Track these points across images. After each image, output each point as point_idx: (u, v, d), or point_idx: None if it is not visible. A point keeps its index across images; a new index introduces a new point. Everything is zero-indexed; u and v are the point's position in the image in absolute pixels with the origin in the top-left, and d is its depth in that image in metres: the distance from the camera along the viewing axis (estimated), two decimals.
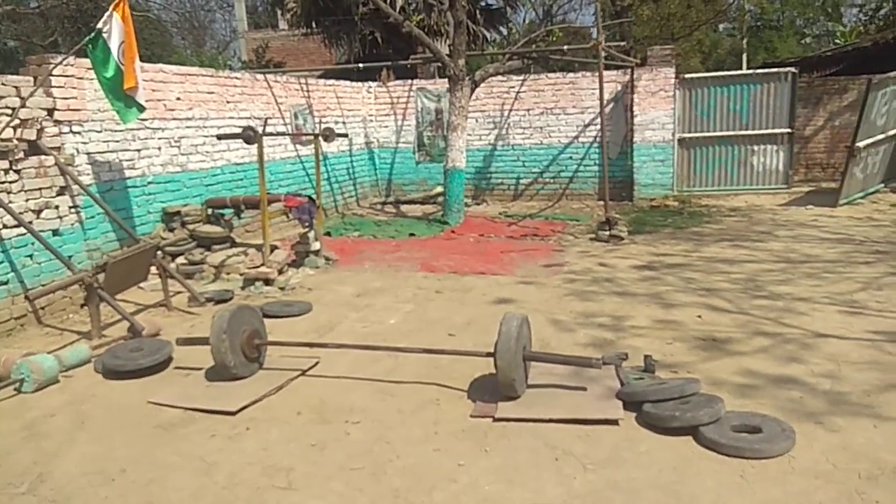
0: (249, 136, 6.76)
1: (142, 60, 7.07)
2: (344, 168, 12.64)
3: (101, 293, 5.62)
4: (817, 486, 3.06)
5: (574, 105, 12.27)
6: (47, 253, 6.08)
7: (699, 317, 5.54)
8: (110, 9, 6.54)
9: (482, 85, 12.58)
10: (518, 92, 12.58)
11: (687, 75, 11.98)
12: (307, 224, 7.75)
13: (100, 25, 6.50)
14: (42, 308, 6.23)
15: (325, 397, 4.33)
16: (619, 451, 3.47)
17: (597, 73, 11.91)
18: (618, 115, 12.03)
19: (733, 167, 11.73)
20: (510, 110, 12.68)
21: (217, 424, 4.02)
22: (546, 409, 3.91)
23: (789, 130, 11.40)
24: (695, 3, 17.12)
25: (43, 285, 6.02)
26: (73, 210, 6.80)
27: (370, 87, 13.42)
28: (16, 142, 6.08)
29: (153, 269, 6.61)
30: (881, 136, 10.38)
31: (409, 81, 13.39)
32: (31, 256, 6.18)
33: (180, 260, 7.79)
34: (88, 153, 7.16)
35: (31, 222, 6.10)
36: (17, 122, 6.10)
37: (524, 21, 27.61)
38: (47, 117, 6.52)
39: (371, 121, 13.49)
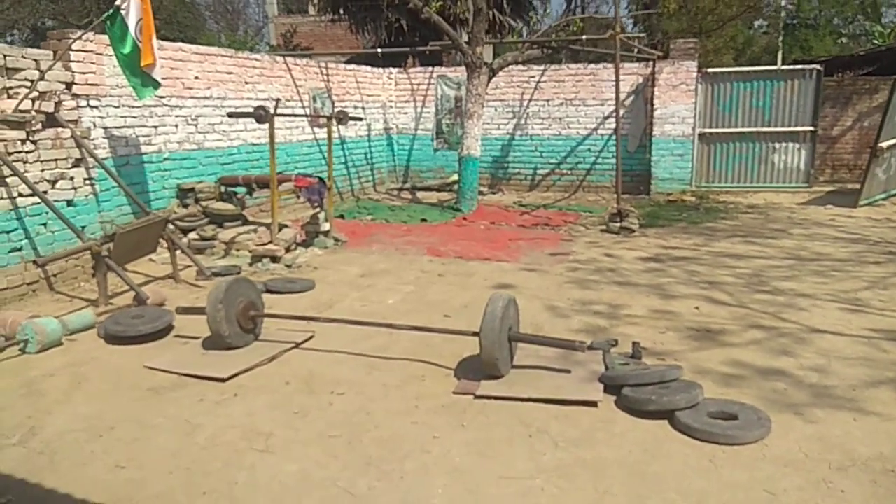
0: (261, 115, 6.86)
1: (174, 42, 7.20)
2: (362, 153, 12.73)
3: (108, 262, 5.77)
4: (785, 473, 3.05)
5: (594, 97, 12.19)
6: (60, 222, 6.25)
7: (697, 308, 5.51)
8: None
9: (502, 74, 12.59)
10: (538, 82, 12.53)
11: (710, 69, 11.81)
12: (317, 204, 7.85)
13: (118, 2, 6.64)
14: (54, 276, 6.42)
15: (314, 369, 4.42)
16: (593, 431, 3.49)
17: (621, 65, 11.86)
18: (638, 107, 11.92)
19: (754, 164, 11.57)
20: (530, 100, 12.64)
21: (207, 390, 4.13)
22: (527, 388, 3.94)
23: (812, 128, 11.20)
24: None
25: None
26: (87, 182, 6.98)
27: (391, 73, 13.47)
28: (34, 113, 6.25)
29: (163, 242, 6.76)
30: None
31: (430, 69, 13.42)
32: (45, 225, 6.36)
33: (192, 235, 7.95)
34: (105, 127, 7.33)
35: (45, 192, 6.27)
36: (35, 94, 6.28)
37: (561, 12, 27.31)
38: (65, 91, 6.68)
39: (391, 107, 13.55)
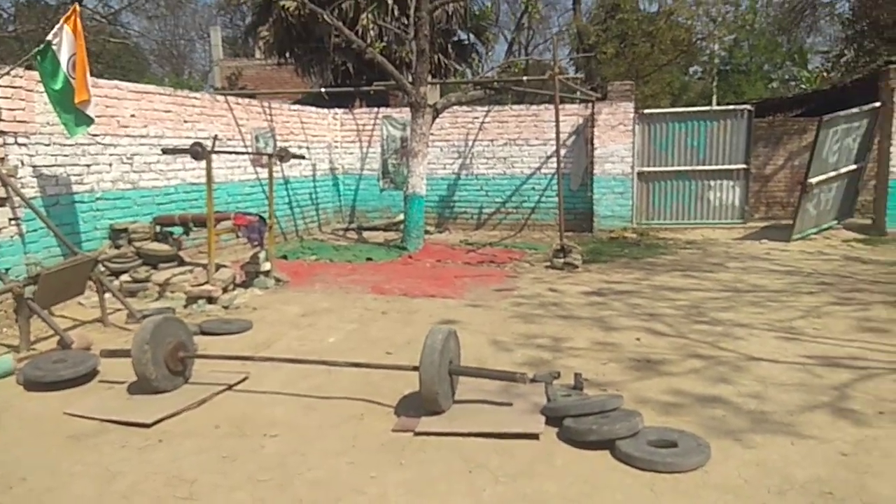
0: (197, 151, 6.71)
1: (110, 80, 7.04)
2: (306, 193, 12.60)
3: (30, 304, 5.47)
4: (726, 500, 3.02)
5: (537, 137, 12.43)
6: None
7: (638, 339, 5.54)
8: (61, 21, 6.52)
9: (447, 115, 12.76)
10: (482, 122, 12.72)
11: (646, 110, 12.20)
12: (257, 243, 7.67)
13: (49, 37, 6.48)
14: None
15: (247, 411, 4.22)
16: (534, 464, 3.41)
17: (561, 106, 12.15)
18: (579, 147, 12.20)
19: (691, 201, 11.91)
20: (474, 140, 12.81)
21: (130, 436, 3.89)
22: (468, 423, 3.84)
23: (745, 166, 11.63)
24: (658, 43, 17.56)
25: None
26: (13, 222, 6.67)
27: (336, 113, 13.49)
28: None
29: (92, 285, 6.46)
30: (833, 174, 10.62)
31: (376, 109, 13.50)
32: None
33: (124, 277, 7.64)
34: (34, 166, 7.06)
35: None
36: None
37: (503, 56, 28.02)
38: None
39: (336, 147, 13.52)
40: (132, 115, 8.47)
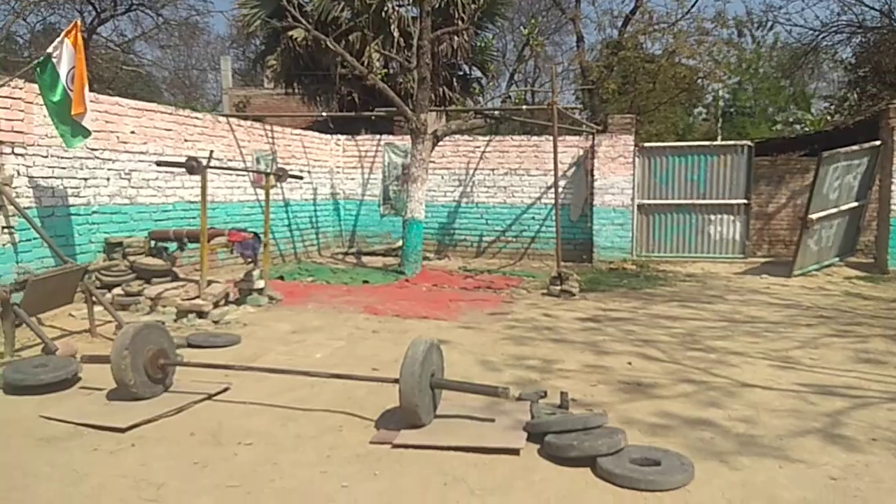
0: (193, 165, 6.73)
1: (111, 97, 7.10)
2: (306, 216, 12.62)
3: (16, 310, 5.42)
4: None
5: (537, 167, 12.46)
6: None
7: (629, 363, 5.43)
8: (62, 35, 6.61)
9: (448, 143, 12.84)
10: (483, 152, 12.78)
11: (646, 144, 12.25)
12: (250, 259, 7.64)
13: (49, 50, 6.56)
14: None
15: (225, 421, 4.13)
16: (512, 479, 3.30)
17: (562, 138, 12.22)
18: (579, 178, 12.21)
19: (691, 235, 11.86)
20: (475, 169, 12.85)
21: (103, 440, 3.80)
22: (448, 437, 3.74)
23: (746, 201, 11.60)
24: (660, 81, 17.74)
25: None
26: (5, 230, 6.66)
27: (339, 139, 13.58)
28: None
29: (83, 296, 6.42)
30: (834, 210, 10.57)
31: (378, 136, 13.58)
32: None
33: (117, 291, 7.59)
34: (31, 177, 7.08)
35: None
36: None
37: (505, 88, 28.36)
38: None
39: (338, 172, 13.58)
40: (132, 132, 8.52)
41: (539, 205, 12.55)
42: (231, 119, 10.62)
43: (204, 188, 7.00)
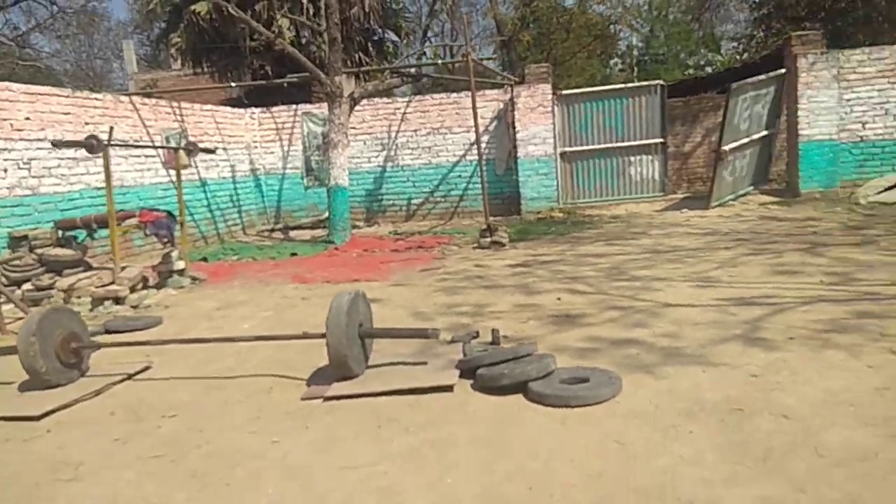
0: (92, 144, 6.35)
1: None
2: (226, 195, 12.19)
3: None
4: (635, 424, 2.96)
5: (459, 124, 12.39)
6: None
7: (558, 299, 5.50)
8: None
9: (368, 107, 12.60)
10: (404, 113, 12.60)
11: (563, 91, 12.33)
12: (166, 240, 7.32)
13: None
14: None
15: (146, 398, 3.95)
16: (446, 413, 3.28)
17: (481, 92, 12.16)
18: (501, 132, 12.22)
19: (613, 178, 12.07)
20: (397, 131, 12.67)
21: (16, 430, 3.58)
22: (380, 384, 3.69)
23: (662, 140, 11.87)
24: (573, 31, 17.86)
25: None
26: None
27: (253, 112, 13.13)
28: None
29: None
30: (745, 140, 10.94)
31: (294, 106, 13.19)
32: None
33: (27, 286, 7.16)
34: None
35: None
36: None
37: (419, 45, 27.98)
38: None
39: (256, 147, 13.16)
40: (27, 118, 7.97)
41: (464, 162, 12.52)
42: (135, 98, 10.09)
43: (107, 167, 6.63)
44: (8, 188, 7.65)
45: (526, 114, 11.71)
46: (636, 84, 12.82)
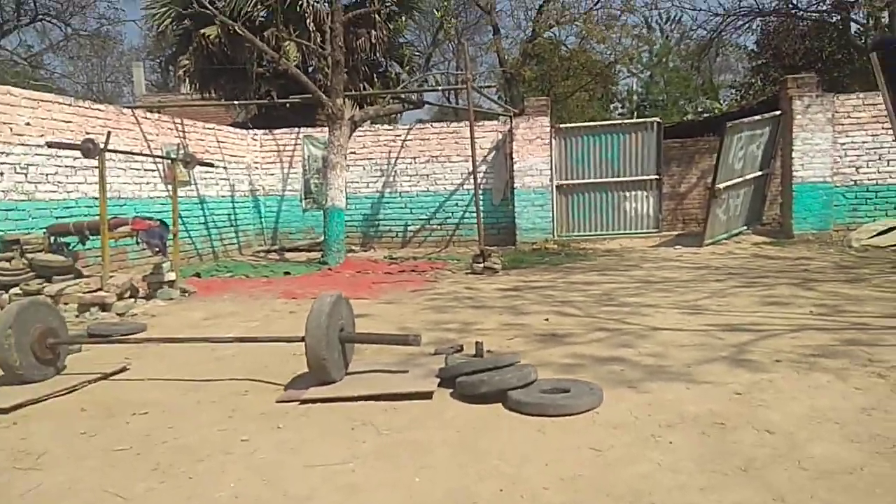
0: (88, 147, 6.36)
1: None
2: (225, 214, 12.20)
3: None
4: (614, 434, 2.89)
5: (458, 153, 12.46)
6: None
7: (546, 320, 5.45)
8: None
9: (369, 133, 12.71)
10: (404, 140, 12.69)
11: (561, 125, 12.44)
12: (158, 249, 7.28)
13: None
14: None
15: (121, 396, 3.87)
16: (422, 418, 3.21)
17: (481, 123, 12.28)
18: (499, 162, 12.30)
19: (608, 212, 12.09)
20: (397, 158, 12.74)
21: None
22: (359, 388, 3.62)
23: (657, 177, 11.91)
24: (573, 69, 18.14)
25: None
26: None
27: (255, 133, 13.23)
28: None
29: None
30: (739, 179, 11.00)
31: (297, 129, 13.29)
32: None
33: (14, 291, 7.09)
34: None
35: None
36: None
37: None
38: None
39: (256, 168, 13.22)
40: (27, 124, 8.00)
41: (462, 191, 12.56)
42: (137, 111, 10.16)
43: (102, 173, 6.63)
44: (3, 192, 7.64)
45: (524, 145, 11.80)
46: (633, 120, 12.98)
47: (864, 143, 10.86)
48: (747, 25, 19.38)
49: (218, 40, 16.59)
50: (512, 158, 11.98)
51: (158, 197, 10.35)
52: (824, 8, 18.91)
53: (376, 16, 15.54)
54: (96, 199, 8.91)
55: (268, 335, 4.44)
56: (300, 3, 15.14)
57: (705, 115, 30.58)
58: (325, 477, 2.60)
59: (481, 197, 11.88)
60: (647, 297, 6.38)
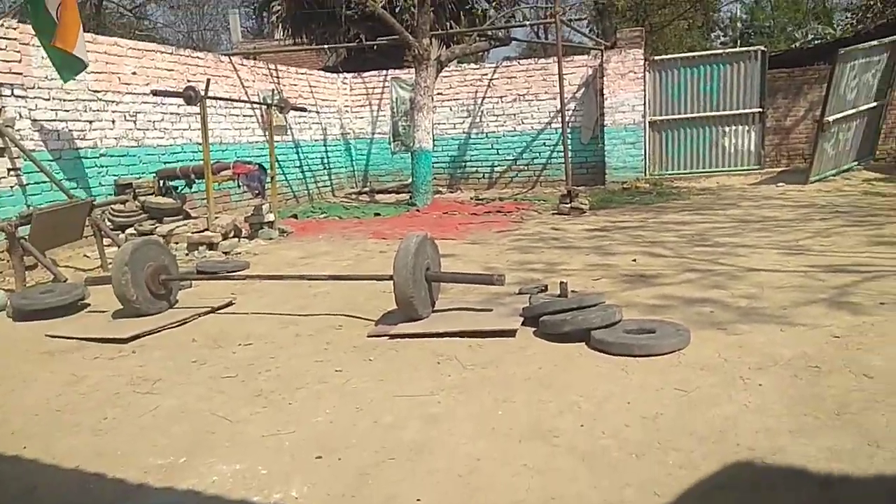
0: (190, 95, 6.67)
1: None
2: (318, 157, 12.55)
3: (23, 244, 5.49)
4: (700, 375, 2.86)
5: (546, 91, 12.16)
6: None
7: (634, 260, 5.36)
8: None
9: (455, 73, 12.59)
10: (491, 79, 12.50)
11: (656, 57, 11.85)
12: (257, 192, 7.62)
13: None
14: None
15: (226, 328, 4.17)
16: (505, 355, 3.29)
17: (570, 58, 11.89)
18: (589, 98, 11.91)
19: (705, 149, 11.54)
20: (483, 98, 12.59)
21: (105, 350, 3.85)
22: (445, 325, 3.73)
23: (760, 110, 11.20)
24: None
25: None
26: (11, 172, 6.71)
27: (345, 77, 13.38)
28: None
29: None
30: (852, 111, 10.18)
31: (385, 72, 13.34)
32: None
33: (129, 231, 7.66)
34: (34, 119, 7.08)
35: None
36: None
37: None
38: None
39: (347, 111, 13.43)
40: (133, 73, 8.45)
41: (549, 130, 12.30)
42: (234, 58, 10.48)
43: (204, 119, 6.96)
44: (115, 138, 8.17)
45: (615, 80, 11.35)
46: (735, 49, 12.13)
47: None
48: None
49: None
50: (602, 94, 11.57)
51: (257, 142, 10.75)
52: None
53: None
54: (200, 144, 9.38)
55: (359, 273, 4.60)
56: None
57: (816, 41, 28.20)
58: (412, 407, 2.74)
59: (569, 135, 11.64)
60: (743, 237, 6.13)
